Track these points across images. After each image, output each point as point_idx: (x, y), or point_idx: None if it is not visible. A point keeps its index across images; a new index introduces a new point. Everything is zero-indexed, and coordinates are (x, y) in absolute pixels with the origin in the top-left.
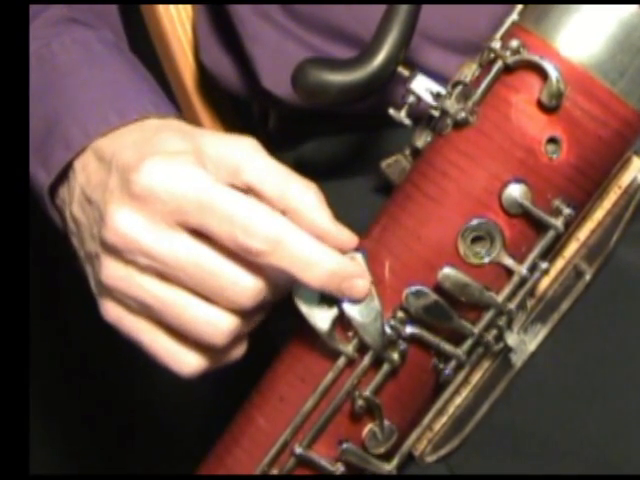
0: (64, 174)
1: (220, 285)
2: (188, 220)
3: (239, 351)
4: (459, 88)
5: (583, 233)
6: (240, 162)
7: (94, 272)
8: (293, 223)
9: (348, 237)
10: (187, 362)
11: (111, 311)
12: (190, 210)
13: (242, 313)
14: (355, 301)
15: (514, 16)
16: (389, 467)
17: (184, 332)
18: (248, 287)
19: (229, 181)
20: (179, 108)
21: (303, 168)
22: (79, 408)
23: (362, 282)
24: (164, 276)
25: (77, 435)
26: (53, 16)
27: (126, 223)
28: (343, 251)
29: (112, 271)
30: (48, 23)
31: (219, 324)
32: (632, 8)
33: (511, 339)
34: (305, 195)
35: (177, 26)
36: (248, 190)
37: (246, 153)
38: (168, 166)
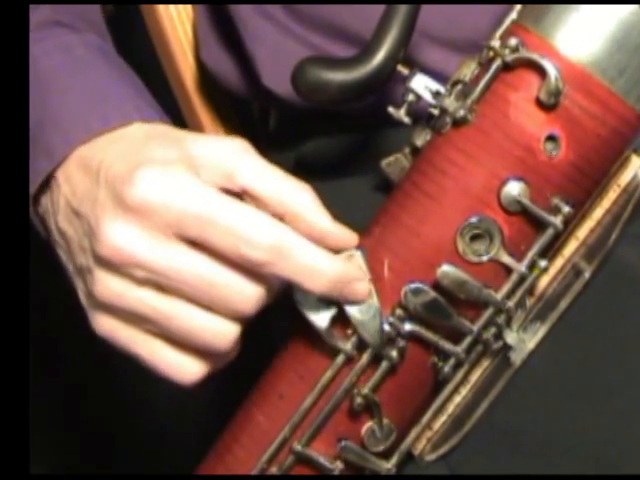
0: (46, 183)
1: (222, 295)
2: (186, 232)
3: (235, 352)
4: (458, 87)
5: (582, 232)
6: (234, 166)
7: (86, 286)
8: (293, 226)
9: (349, 236)
10: (189, 370)
11: (105, 325)
12: (190, 223)
13: (243, 320)
14: (358, 302)
15: (513, 15)
16: (388, 465)
17: (187, 342)
18: (250, 295)
19: (224, 185)
20: (177, 108)
21: (303, 167)
22: (78, 407)
23: (363, 285)
24: (163, 288)
25: (76, 435)
26: (37, 20)
27: (121, 237)
28: (344, 250)
29: (107, 285)
30: (32, 27)
31: (224, 333)
32: (631, 7)
33: (510, 337)
34: (302, 196)
35: (177, 26)
36: (243, 193)
37: (239, 156)
38: (162, 177)
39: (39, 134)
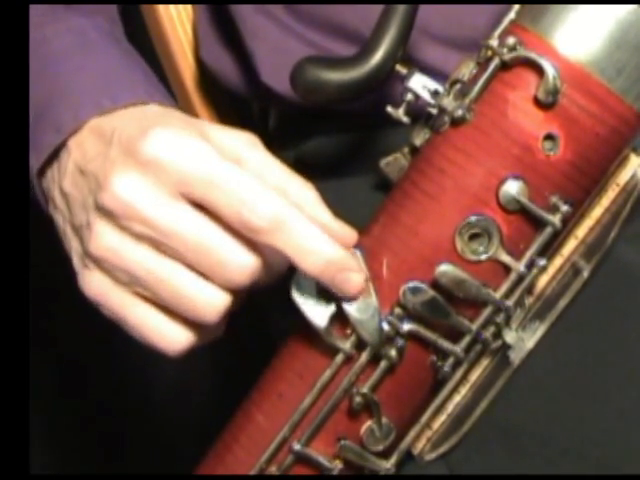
0: (54, 156)
1: (218, 260)
2: (193, 192)
3: (221, 328)
4: (457, 86)
5: (581, 231)
6: (242, 154)
7: (82, 244)
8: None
9: (349, 233)
10: (176, 339)
11: (95, 284)
12: (197, 183)
13: (235, 291)
14: (353, 298)
15: (512, 15)
16: (387, 464)
17: (176, 308)
18: (246, 265)
19: None
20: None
21: (303, 167)
22: (78, 407)
23: (357, 277)
24: (160, 248)
25: (76, 434)
26: (48, 3)
27: (126, 188)
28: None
29: (104, 239)
30: (43, 10)
31: (214, 302)
32: (629, 6)
33: (509, 336)
34: (305, 191)
35: (177, 26)
36: None
37: (248, 147)
38: (176, 137)
39: (47, 110)
